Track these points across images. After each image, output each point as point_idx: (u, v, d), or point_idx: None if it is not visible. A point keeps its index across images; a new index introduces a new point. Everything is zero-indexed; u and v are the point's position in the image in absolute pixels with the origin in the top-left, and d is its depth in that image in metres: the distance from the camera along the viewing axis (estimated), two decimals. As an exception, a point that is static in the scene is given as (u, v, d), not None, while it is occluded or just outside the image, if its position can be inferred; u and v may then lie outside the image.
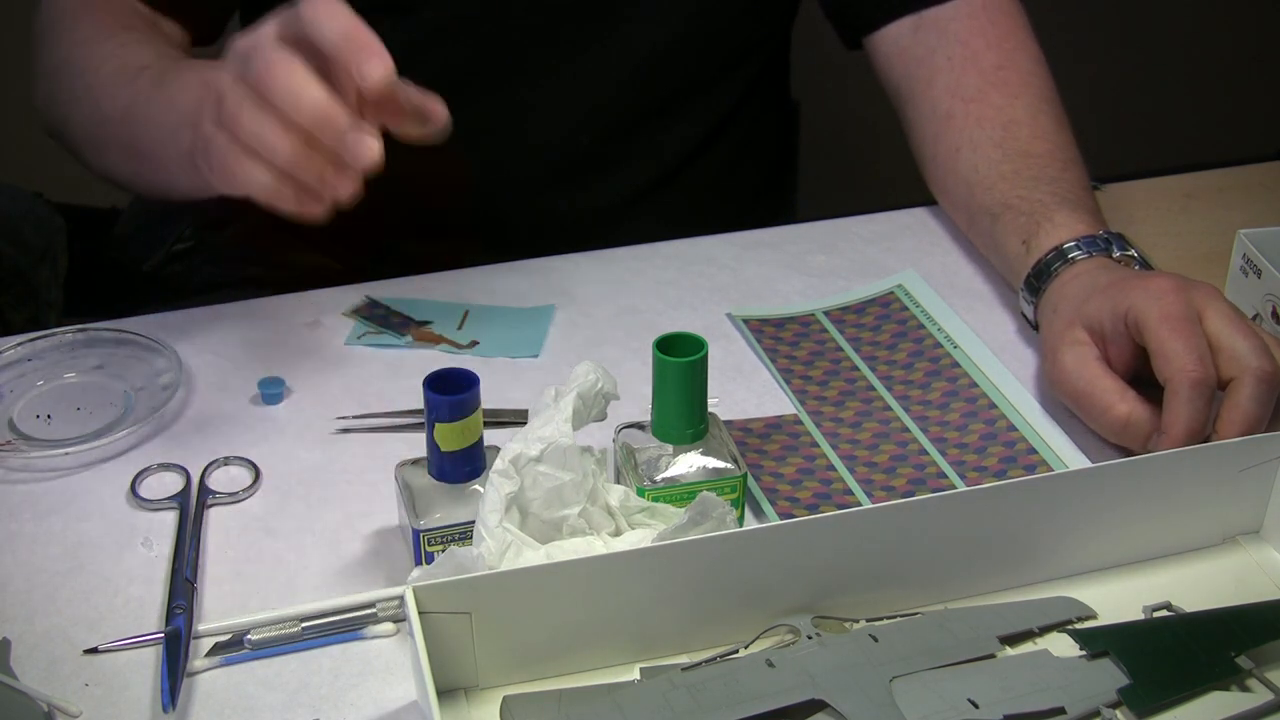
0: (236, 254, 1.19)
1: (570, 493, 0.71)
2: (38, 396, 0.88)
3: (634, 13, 1.05)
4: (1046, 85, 1.01)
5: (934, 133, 1.02)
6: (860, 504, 0.80)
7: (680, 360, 0.73)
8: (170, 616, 0.72)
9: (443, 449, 0.73)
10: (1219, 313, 0.80)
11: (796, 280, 1.00)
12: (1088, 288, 0.85)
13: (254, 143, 0.74)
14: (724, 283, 1.00)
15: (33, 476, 0.83)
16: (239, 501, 0.81)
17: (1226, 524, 0.77)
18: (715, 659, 0.69)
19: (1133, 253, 0.89)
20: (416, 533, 0.73)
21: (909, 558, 0.71)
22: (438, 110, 0.78)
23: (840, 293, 0.98)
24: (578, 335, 0.94)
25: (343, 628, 0.72)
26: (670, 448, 0.76)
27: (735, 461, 0.76)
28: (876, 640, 0.69)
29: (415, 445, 0.81)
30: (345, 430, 0.86)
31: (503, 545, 0.69)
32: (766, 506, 0.80)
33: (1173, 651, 0.70)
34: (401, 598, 0.69)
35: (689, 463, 0.75)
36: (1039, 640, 0.71)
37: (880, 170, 1.41)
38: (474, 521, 0.70)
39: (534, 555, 0.69)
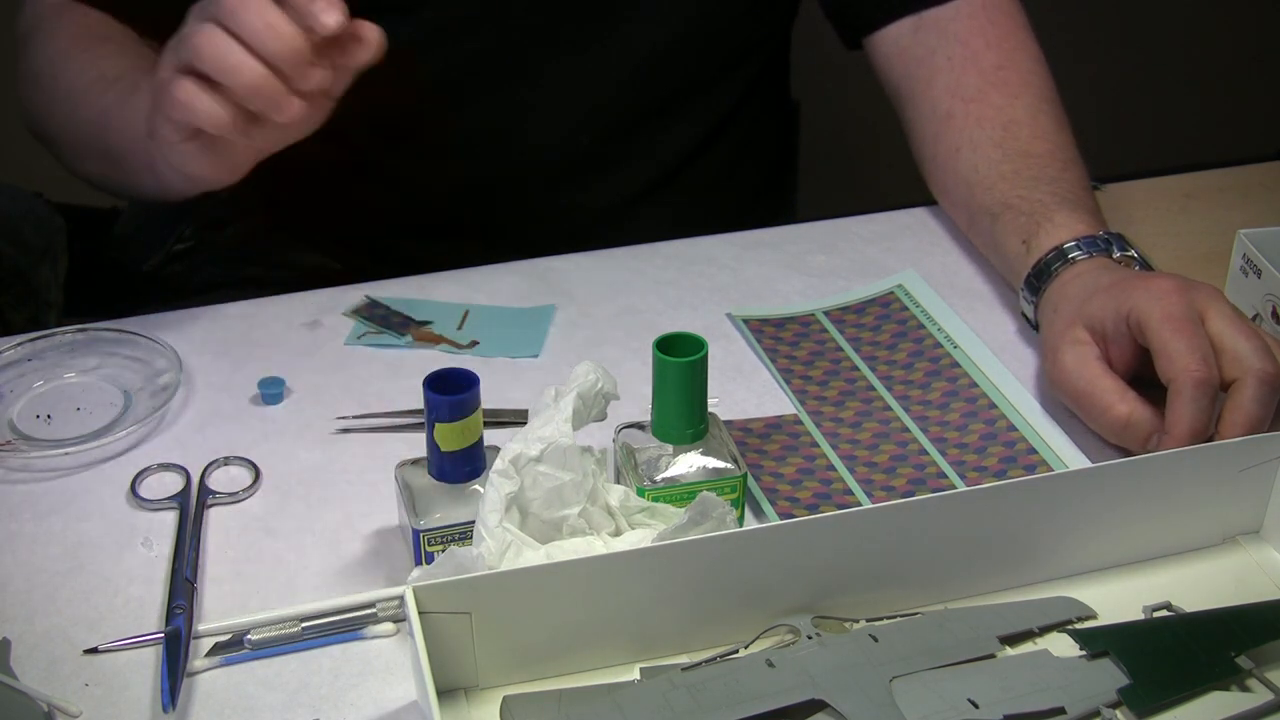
0: (236, 254, 1.19)
1: (570, 493, 0.71)
2: (38, 396, 0.88)
3: (634, 13, 1.05)
4: (1046, 85, 1.01)
5: (934, 133, 1.02)
6: (860, 504, 0.80)
7: (680, 360, 0.73)
8: (170, 616, 0.72)
9: (443, 449, 0.73)
10: (1221, 314, 0.80)
11: (796, 280, 1.00)
12: (1089, 288, 0.85)
13: (216, 67, 0.78)
14: (724, 283, 1.00)
15: (33, 476, 0.83)
16: (239, 501, 0.81)
17: (1226, 524, 0.77)
18: (715, 659, 0.69)
19: (1133, 253, 0.89)
20: (416, 533, 0.73)
21: (909, 558, 0.71)
22: (368, 33, 0.82)
23: (840, 293, 0.98)
24: (578, 335, 0.94)
25: (343, 628, 0.72)
26: (670, 448, 0.76)
27: (735, 461, 0.76)
28: (876, 640, 0.69)
29: (415, 445, 0.81)
30: (345, 430, 0.86)
31: (503, 545, 0.69)
32: (766, 506, 0.80)
33: (1173, 651, 0.70)
34: (401, 598, 0.69)
35: (689, 463, 0.75)
36: (1039, 640, 0.71)
37: (880, 170, 1.41)
38: (474, 521, 0.70)
39: (534, 555, 0.69)
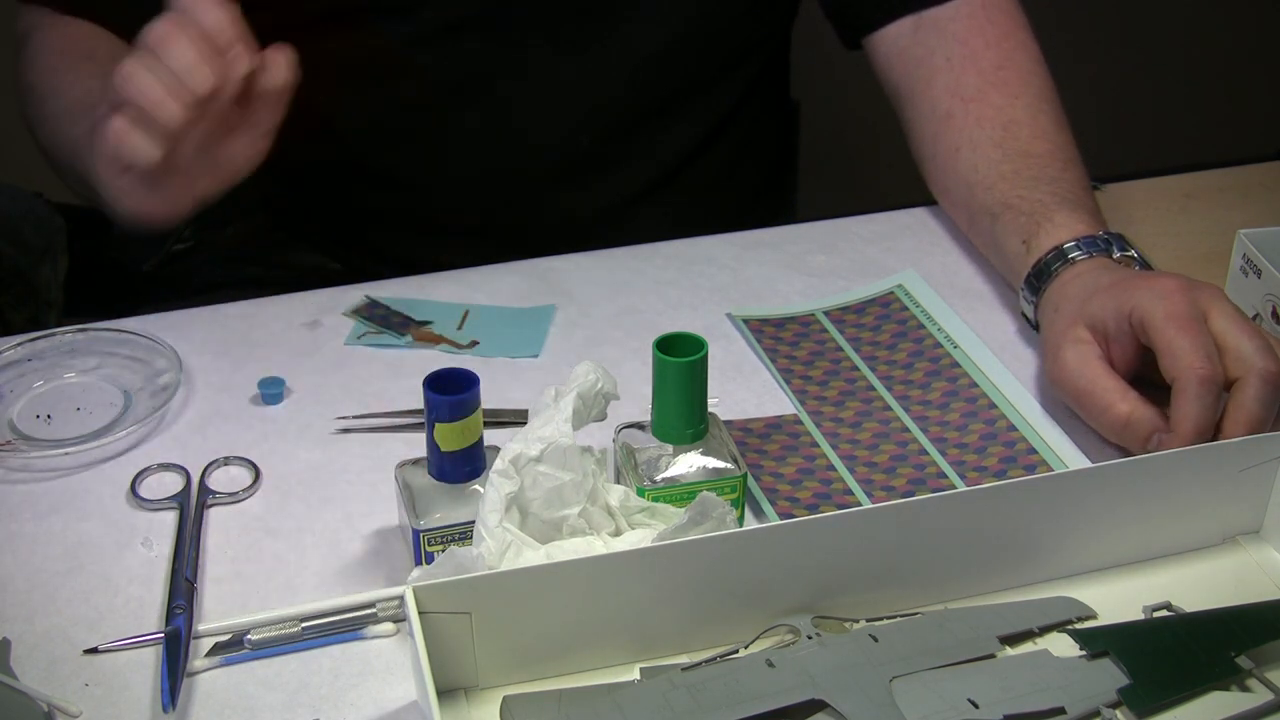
0: (236, 254, 1.19)
1: (570, 493, 0.71)
2: (38, 396, 0.88)
3: (634, 13, 1.05)
4: (1046, 85, 1.01)
5: (934, 132, 1.02)
6: (860, 504, 0.80)
7: (680, 360, 0.73)
8: (170, 616, 0.72)
9: (443, 449, 0.73)
10: (1223, 313, 0.80)
11: (796, 280, 1.00)
12: (1090, 287, 0.85)
13: (139, 105, 0.81)
14: (724, 283, 1.00)
15: (33, 476, 0.83)
16: (239, 501, 0.81)
17: (1226, 524, 0.77)
18: (715, 659, 0.69)
19: (1133, 253, 0.89)
20: (416, 533, 0.73)
21: (909, 558, 0.71)
22: (276, 61, 0.86)
23: (840, 293, 0.98)
24: (578, 335, 0.94)
25: (343, 628, 0.72)
26: (670, 448, 0.76)
27: (735, 461, 0.76)
28: (876, 640, 0.69)
29: (415, 445, 0.81)
30: (345, 430, 0.86)
31: (503, 545, 0.69)
32: (766, 506, 0.80)
33: (1173, 651, 0.70)
34: (401, 598, 0.69)
35: (689, 463, 0.75)
36: (1039, 640, 0.71)
37: (880, 170, 1.41)
38: (474, 521, 0.70)
39: (534, 555, 0.69)
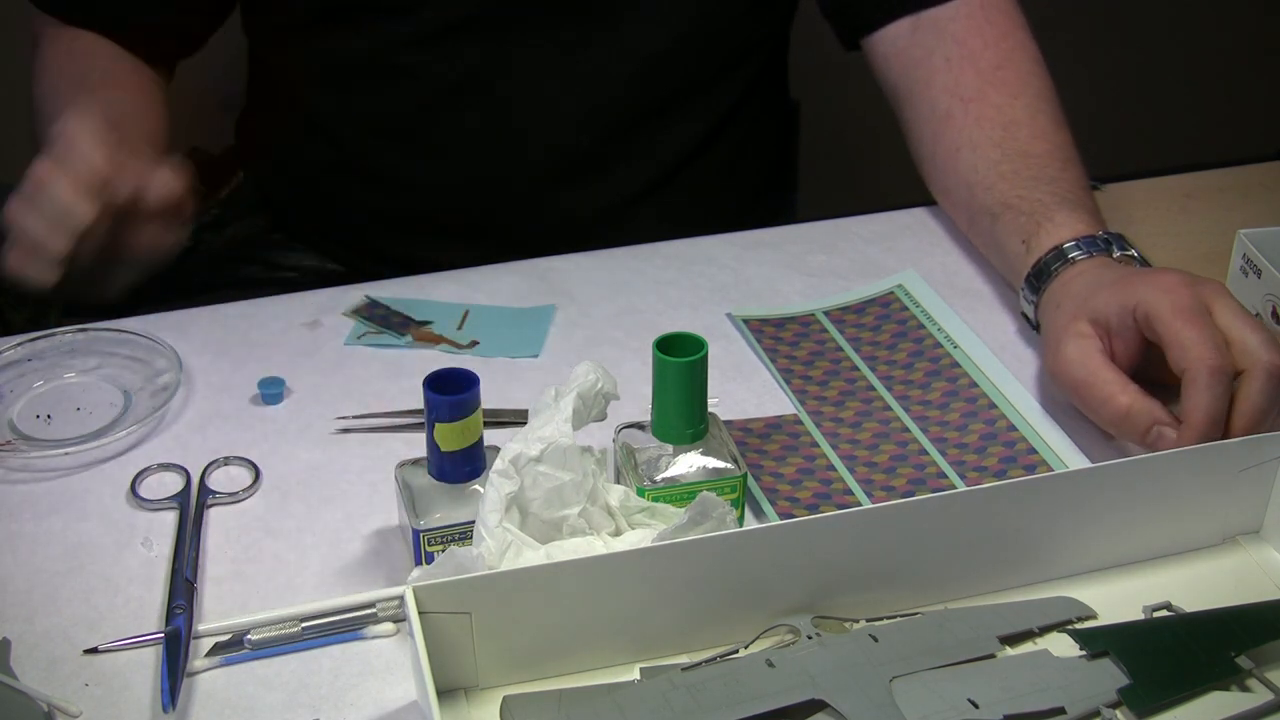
0: (236, 254, 1.19)
1: (570, 493, 0.71)
2: (38, 396, 0.88)
3: (634, 13, 1.05)
4: (1045, 85, 1.01)
5: (933, 133, 1.02)
6: (860, 504, 0.80)
7: (680, 360, 0.73)
8: (170, 616, 0.72)
9: (443, 449, 0.73)
10: (1227, 307, 0.80)
11: (796, 280, 1.00)
12: (1092, 284, 0.85)
13: (29, 237, 0.84)
14: (724, 283, 1.00)
15: (33, 476, 0.83)
16: (239, 501, 0.81)
17: (1226, 524, 0.77)
18: (715, 659, 0.69)
19: (1132, 253, 0.89)
20: (416, 533, 0.73)
21: (909, 558, 0.71)
22: (161, 177, 0.88)
23: (840, 293, 0.98)
24: (578, 335, 0.94)
25: (343, 628, 0.72)
26: (670, 448, 0.76)
27: (735, 461, 0.76)
28: (876, 640, 0.69)
29: (415, 445, 0.81)
30: (345, 430, 0.86)
31: (503, 545, 0.69)
32: (766, 506, 0.80)
33: (1173, 651, 0.70)
34: (401, 598, 0.69)
35: (689, 463, 0.75)
36: (1039, 640, 0.71)
37: (880, 170, 1.41)
38: (474, 521, 0.70)
39: (534, 555, 0.69)
